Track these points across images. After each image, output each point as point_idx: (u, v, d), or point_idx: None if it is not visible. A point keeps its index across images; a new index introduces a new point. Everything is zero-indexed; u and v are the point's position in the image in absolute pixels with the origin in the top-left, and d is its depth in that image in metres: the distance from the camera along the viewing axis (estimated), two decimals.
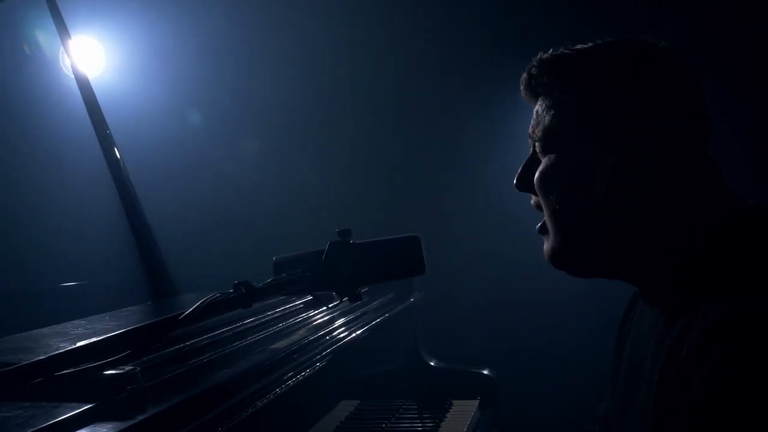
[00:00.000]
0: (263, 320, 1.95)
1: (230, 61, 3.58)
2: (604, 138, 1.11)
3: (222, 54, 3.59)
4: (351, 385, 2.57)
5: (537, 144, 1.20)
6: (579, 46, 1.17)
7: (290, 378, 1.78)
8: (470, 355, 2.78)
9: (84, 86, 2.51)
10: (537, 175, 1.18)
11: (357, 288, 1.47)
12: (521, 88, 1.24)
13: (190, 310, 1.08)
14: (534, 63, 1.20)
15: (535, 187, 1.19)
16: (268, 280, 1.30)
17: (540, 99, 1.20)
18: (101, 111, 2.50)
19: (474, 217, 3.17)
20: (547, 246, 1.20)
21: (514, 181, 1.24)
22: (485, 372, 2.67)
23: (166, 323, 1.08)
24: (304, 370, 1.88)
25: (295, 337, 1.95)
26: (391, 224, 3.20)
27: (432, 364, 2.71)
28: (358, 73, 3.49)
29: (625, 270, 1.16)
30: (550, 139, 1.17)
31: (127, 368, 1.14)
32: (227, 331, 1.76)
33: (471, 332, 3.16)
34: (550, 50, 1.19)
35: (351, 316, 2.34)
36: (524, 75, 1.22)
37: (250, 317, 1.90)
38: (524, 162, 1.22)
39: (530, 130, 1.21)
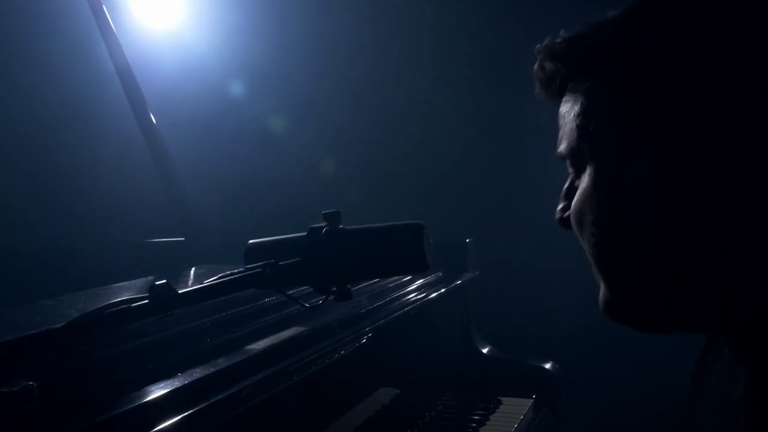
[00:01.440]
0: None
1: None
2: (657, 140, 0.76)
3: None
4: (391, 371, 2.30)
5: (567, 162, 0.87)
6: (602, 19, 0.82)
7: (321, 358, 1.61)
8: (529, 346, 2.45)
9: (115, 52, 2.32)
10: (572, 205, 0.86)
11: (342, 284, 1.20)
12: (536, 85, 0.91)
13: (69, 322, 0.84)
14: (546, 50, 0.87)
15: (571, 222, 0.87)
16: (210, 281, 1.04)
17: (564, 97, 0.87)
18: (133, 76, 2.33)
19: (542, 193, 2.79)
20: (601, 295, 0.87)
21: (556, 218, 0.91)
22: (545, 366, 2.35)
23: (35, 340, 0.84)
24: (339, 350, 1.71)
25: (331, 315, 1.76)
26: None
27: (484, 351, 2.41)
28: (410, 63, 3.13)
29: (709, 319, 0.82)
30: (580, 151, 0.84)
31: (21, 384, 0.91)
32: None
33: (532, 320, 2.80)
34: (562, 31, 0.85)
35: (396, 293, 2.12)
36: (535, 67, 0.89)
37: None
38: (563, 190, 0.90)
39: (558, 144, 0.88)
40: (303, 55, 3.22)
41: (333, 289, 1.21)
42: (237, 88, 3.33)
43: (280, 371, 1.43)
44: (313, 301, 1.24)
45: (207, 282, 1.04)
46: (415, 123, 3.13)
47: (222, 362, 1.32)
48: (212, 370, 1.27)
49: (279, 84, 3.26)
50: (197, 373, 1.24)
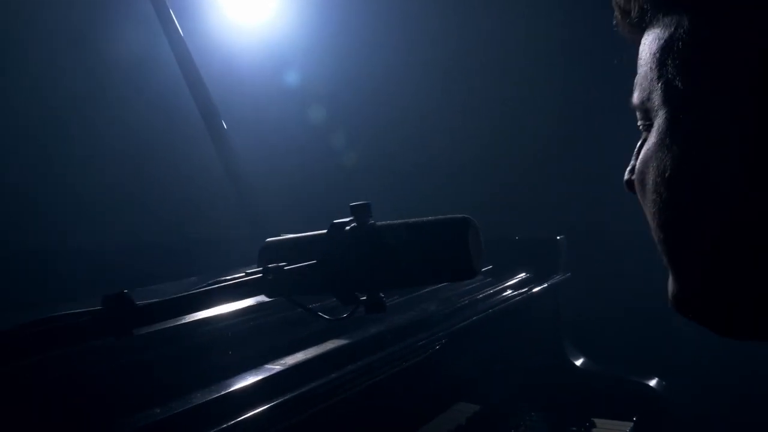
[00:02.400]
0: None
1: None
2: (751, 86, 0.58)
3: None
4: (469, 383, 2.07)
5: (638, 114, 0.69)
6: None
7: (387, 366, 1.44)
8: (630, 358, 2.14)
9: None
10: (637, 166, 0.68)
11: (373, 292, 0.98)
12: (616, 20, 0.72)
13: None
14: None
15: (635, 188, 0.69)
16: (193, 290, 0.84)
17: (645, 33, 0.68)
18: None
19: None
20: (670, 286, 0.68)
21: (624, 179, 0.73)
22: (649, 383, 2.04)
23: None
24: (409, 357, 1.54)
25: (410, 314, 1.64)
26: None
27: (577, 363, 2.12)
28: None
29: None
30: (652, 100, 0.66)
31: None
32: None
33: (633, 328, 2.46)
34: None
35: (475, 295, 1.93)
36: None
37: None
38: (636, 149, 0.71)
39: (633, 92, 0.70)
40: (390, 43, 3.01)
41: (362, 298, 0.99)
42: (319, 80, 3.16)
43: (342, 378, 1.27)
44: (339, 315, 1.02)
45: (193, 290, 0.84)
46: (500, 114, 2.86)
47: (275, 367, 1.19)
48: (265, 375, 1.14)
49: (361, 73, 3.06)
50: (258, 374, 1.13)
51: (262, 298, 0.94)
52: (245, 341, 1.25)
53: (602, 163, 2.66)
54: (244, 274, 0.90)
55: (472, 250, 0.92)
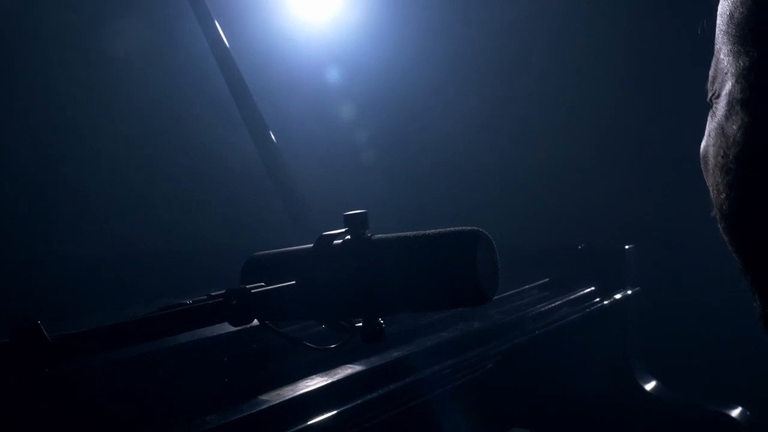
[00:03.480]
0: None
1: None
2: None
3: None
4: (527, 407, 1.87)
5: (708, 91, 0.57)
6: None
7: (435, 385, 1.33)
8: (710, 385, 1.90)
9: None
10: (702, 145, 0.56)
11: (369, 318, 0.82)
12: None
13: None
14: None
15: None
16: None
17: None
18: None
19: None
20: (758, 301, 0.55)
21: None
22: (731, 413, 1.80)
23: None
24: (458, 376, 1.42)
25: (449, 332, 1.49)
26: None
27: (648, 389, 1.90)
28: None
29: None
30: (721, 66, 0.54)
31: None
32: None
33: (713, 349, 2.19)
34: None
35: (532, 309, 1.75)
36: None
37: None
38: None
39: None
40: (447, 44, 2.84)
41: (357, 325, 0.84)
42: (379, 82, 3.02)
43: (383, 398, 1.16)
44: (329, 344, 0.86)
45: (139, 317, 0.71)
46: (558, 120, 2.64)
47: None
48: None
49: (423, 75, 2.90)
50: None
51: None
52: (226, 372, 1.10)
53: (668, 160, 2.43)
54: (205, 297, 0.77)
55: (480, 270, 0.76)
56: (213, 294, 0.76)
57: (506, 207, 2.47)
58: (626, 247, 1.98)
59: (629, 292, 1.96)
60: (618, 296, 1.94)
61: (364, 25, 2.82)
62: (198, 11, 2.11)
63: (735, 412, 1.83)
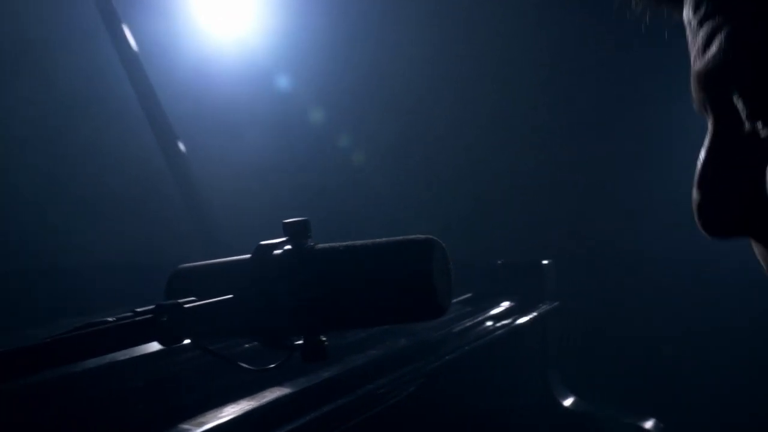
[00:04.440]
0: None
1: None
2: None
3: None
4: (448, 426, 1.84)
5: (742, 101, 0.41)
6: None
7: (353, 412, 1.23)
8: (625, 397, 1.92)
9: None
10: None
11: (311, 336, 0.75)
12: None
13: None
14: None
15: None
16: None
17: None
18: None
19: (647, 209, 2.25)
20: None
21: (701, 220, 0.44)
22: (645, 425, 1.83)
23: None
24: (379, 401, 1.32)
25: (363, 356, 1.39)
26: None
27: (566, 404, 1.90)
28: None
29: None
30: None
31: None
32: None
33: (630, 362, 2.23)
34: None
35: (451, 327, 1.70)
36: None
37: None
38: (704, 158, 0.44)
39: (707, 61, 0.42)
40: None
41: (297, 343, 0.77)
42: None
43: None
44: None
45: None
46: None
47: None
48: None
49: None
50: None
51: None
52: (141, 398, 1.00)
53: (595, 179, 2.48)
54: (131, 313, 0.68)
55: (437, 281, 0.71)
56: (138, 310, 0.67)
57: (425, 222, 2.45)
58: (544, 262, 1.99)
59: (548, 306, 1.96)
60: (537, 312, 1.94)
61: (276, 25, 2.76)
62: (104, 12, 1.99)
63: (649, 424, 1.86)
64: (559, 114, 2.60)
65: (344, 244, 0.75)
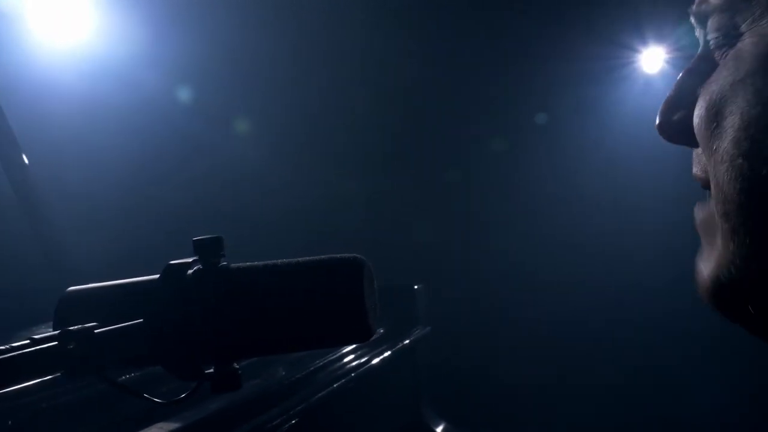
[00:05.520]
0: None
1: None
2: None
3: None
4: None
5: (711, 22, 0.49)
6: None
7: None
8: (495, 420, 1.95)
9: None
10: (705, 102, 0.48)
11: (222, 364, 0.69)
12: None
13: None
14: None
15: (697, 136, 0.48)
16: None
17: None
18: None
19: (502, 227, 2.33)
20: (711, 268, 0.47)
21: (657, 122, 0.51)
22: None
23: None
24: None
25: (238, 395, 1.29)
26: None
27: (438, 431, 1.90)
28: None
29: None
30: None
31: None
32: None
33: (502, 387, 2.28)
34: None
35: (320, 360, 1.66)
36: None
37: None
38: (681, 75, 0.51)
39: None
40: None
41: (208, 371, 0.70)
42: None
43: None
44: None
45: None
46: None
47: None
48: None
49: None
50: None
51: None
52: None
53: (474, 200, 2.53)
54: (28, 341, 0.58)
55: (368, 305, 0.67)
56: (37, 337, 0.58)
57: (285, 244, 2.40)
58: (416, 286, 1.99)
59: (420, 331, 1.96)
60: (409, 339, 1.93)
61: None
62: None
63: None
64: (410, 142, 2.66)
65: (264, 263, 0.70)
